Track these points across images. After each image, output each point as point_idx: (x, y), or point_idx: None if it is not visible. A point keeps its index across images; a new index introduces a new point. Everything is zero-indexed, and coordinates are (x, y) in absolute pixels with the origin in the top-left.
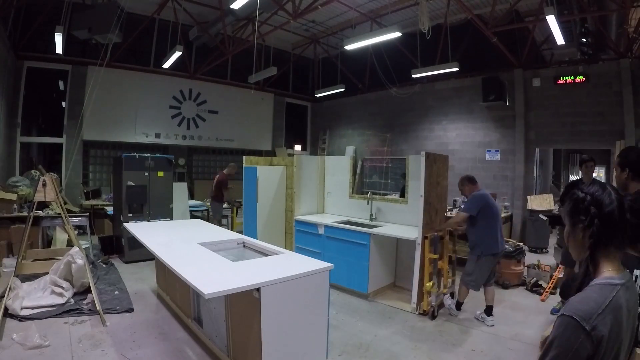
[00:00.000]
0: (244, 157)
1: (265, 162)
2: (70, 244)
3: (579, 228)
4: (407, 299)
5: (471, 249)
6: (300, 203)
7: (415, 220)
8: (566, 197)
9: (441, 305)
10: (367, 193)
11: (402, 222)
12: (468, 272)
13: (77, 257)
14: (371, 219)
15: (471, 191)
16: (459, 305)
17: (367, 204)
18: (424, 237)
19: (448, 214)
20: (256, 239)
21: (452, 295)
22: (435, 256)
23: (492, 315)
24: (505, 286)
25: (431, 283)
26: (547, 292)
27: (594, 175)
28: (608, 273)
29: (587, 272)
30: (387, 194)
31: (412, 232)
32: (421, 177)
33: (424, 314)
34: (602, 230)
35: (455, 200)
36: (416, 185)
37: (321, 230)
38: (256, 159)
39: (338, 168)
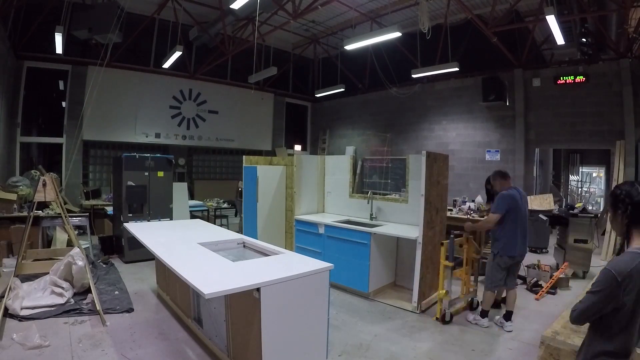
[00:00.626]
0: (244, 156)
1: (265, 162)
2: (70, 244)
3: (619, 214)
4: (407, 298)
5: (491, 247)
6: (301, 202)
7: (416, 219)
8: (610, 195)
9: (457, 311)
10: (367, 193)
11: (403, 221)
12: (486, 275)
13: (77, 258)
14: (371, 219)
15: (502, 187)
16: (484, 314)
17: (368, 203)
18: (440, 244)
19: (454, 213)
20: (256, 238)
21: (470, 306)
22: (450, 264)
23: (511, 320)
24: None
25: (444, 291)
26: (543, 291)
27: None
28: (637, 245)
29: (623, 245)
30: (387, 194)
31: (412, 231)
32: (422, 176)
33: (438, 320)
34: (634, 214)
35: (455, 200)
36: (417, 185)
37: (321, 230)
38: (256, 159)
39: (338, 168)
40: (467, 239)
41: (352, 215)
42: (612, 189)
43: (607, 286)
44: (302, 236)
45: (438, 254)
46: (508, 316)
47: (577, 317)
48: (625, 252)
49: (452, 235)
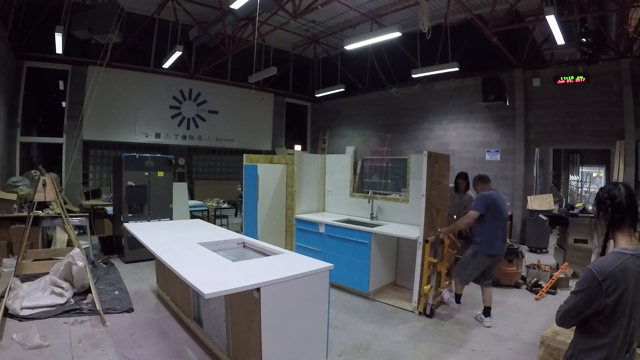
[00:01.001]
0: (244, 155)
1: (265, 160)
2: (70, 244)
3: (601, 216)
4: (407, 297)
5: (472, 243)
6: (301, 201)
7: (416, 219)
8: (595, 197)
9: (439, 304)
10: (367, 192)
11: (403, 221)
12: (462, 264)
13: (77, 259)
14: (372, 218)
15: (482, 190)
16: (458, 298)
17: (368, 202)
18: (425, 240)
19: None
20: (256, 237)
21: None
22: (435, 260)
23: (490, 316)
24: (517, 285)
25: (429, 286)
26: (543, 291)
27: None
28: (622, 245)
29: (604, 247)
30: (387, 194)
31: (413, 231)
32: (423, 176)
33: (421, 314)
34: (614, 215)
35: None
36: (417, 185)
37: (322, 229)
38: (256, 157)
39: (338, 167)
40: (447, 236)
41: (353, 214)
42: (598, 191)
43: (587, 286)
44: (303, 235)
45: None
46: (487, 312)
47: (561, 318)
48: (610, 252)
49: (438, 232)
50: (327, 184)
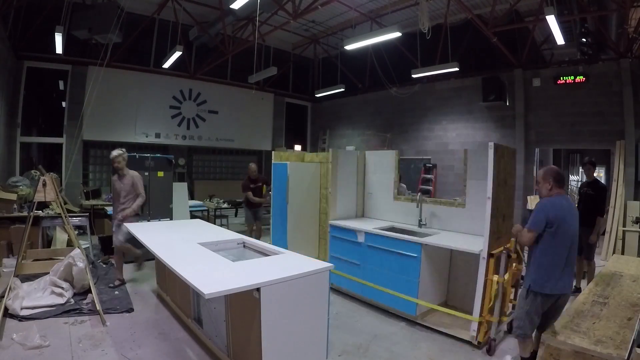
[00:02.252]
0: (273, 152)
1: (296, 158)
2: (70, 244)
3: None
4: (461, 323)
5: (525, 278)
6: (337, 205)
7: (474, 227)
8: None
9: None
10: (415, 195)
11: (458, 229)
12: (516, 315)
13: (78, 259)
14: (420, 226)
15: (547, 194)
16: None
17: (417, 207)
18: (490, 255)
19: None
20: (286, 244)
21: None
22: (502, 279)
23: None
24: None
25: (491, 315)
26: None
27: (595, 174)
28: None
29: None
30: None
31: (472, 242)
32: (488, 174)
33: (478, 346)
34: None
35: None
36: (476, 185)
37: (361, 238)
38: (287, 155)
39: (380, 165)
40: (515, 250)
41: (397, 220)
42: None
43: None
44: (338, 244)
45: None
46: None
47: None
48: None
49: (506, 246)
50: (367, 185)
